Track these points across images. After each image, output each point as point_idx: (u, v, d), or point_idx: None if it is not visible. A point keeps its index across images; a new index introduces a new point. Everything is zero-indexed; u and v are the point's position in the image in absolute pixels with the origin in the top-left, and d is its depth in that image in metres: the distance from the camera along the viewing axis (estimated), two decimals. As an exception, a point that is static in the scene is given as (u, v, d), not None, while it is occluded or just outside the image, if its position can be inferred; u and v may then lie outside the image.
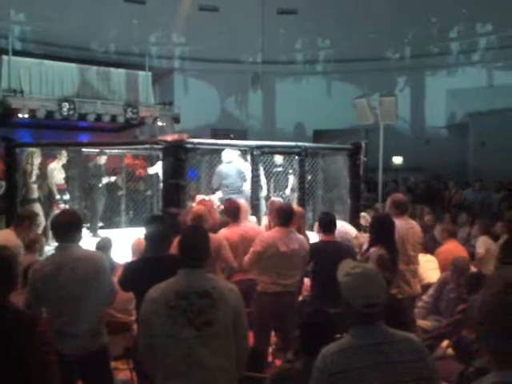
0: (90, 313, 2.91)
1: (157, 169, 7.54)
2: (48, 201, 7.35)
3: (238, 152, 6.87)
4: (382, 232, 4.00)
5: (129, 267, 3.27)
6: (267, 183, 7.35)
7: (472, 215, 8.58)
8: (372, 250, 3.92)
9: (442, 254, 5.39)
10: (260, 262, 4.02)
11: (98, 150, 7.97)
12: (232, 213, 4.79)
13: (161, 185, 6.48)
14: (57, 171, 7.42)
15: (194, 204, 5.68)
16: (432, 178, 14.23)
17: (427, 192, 12.64)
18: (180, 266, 2.49)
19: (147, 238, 3.27)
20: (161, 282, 2.46)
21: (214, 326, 2.35)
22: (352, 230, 5.62)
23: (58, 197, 7.28)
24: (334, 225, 4.39)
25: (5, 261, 2.18)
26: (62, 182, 7.45)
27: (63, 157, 7.48)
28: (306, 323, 2.61)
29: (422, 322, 4.49)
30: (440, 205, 11.52)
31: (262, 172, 7.07)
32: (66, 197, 7.38)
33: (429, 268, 5.18)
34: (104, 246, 4.98)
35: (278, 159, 7.50)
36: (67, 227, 2.99)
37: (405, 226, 4.30)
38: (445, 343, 3.98)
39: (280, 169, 7.51)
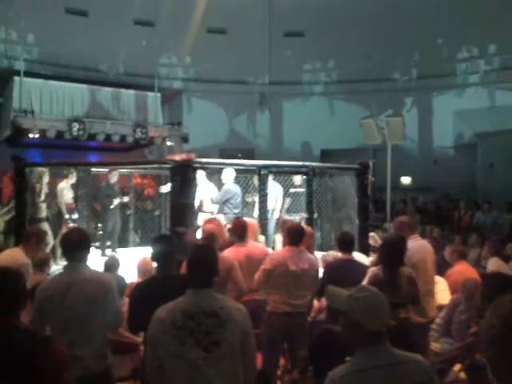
0: (95, 334, 2.88)
1: (169, 187, 7.60)
2: (57, 220, 7.39)
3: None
4: (387, 252, 3.97)
5: (136, 289, 3.24)
6: (282, 203, 7.42)
7: (482, 236, 8.50)
8: (371, 268, 3.92)
9: (453, 275, 5.32)
10: (269, 280, 3.99)
11: (107, 170, 8.04)
12: (239, 232, 4.77)
13: (168, 204, 6.51)
14: (66, 190, 7.49)
15: (199, 223, 5.69)
16: (441, 197, 14.16)
17: (437, 212, 12.56)
18: (188, 285, 2.47)
19: (154, 257, 3.27)
20: (168, 302, 2.45)
21: (222, 346, 2.32)
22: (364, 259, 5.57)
23: (66, 216, 7.33)
24: (352, 244, 4.44)
25: (13, 281, 2.17)
26: (71, 201, 7.50)
27: (73, 176, 7.56)
28: (315, 344, 2.58)
29: (433, 345, 4.42)
30: (449, 225, 11.43)
31: (279, 192, 7.16)
32: (75, 216, 7.42)
33: (439, 290, 5.11)
34: (112, 265, 4.98)
35: (297, 180, 7.54)
36: (77, 246, 2.99)
37: (422, 245, 4.35)
38: (457, 367, 3.89)
39: (301, 189, 7.51)
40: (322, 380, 1.97)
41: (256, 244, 5.02)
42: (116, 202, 7.94)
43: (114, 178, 8.01)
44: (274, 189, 7.30)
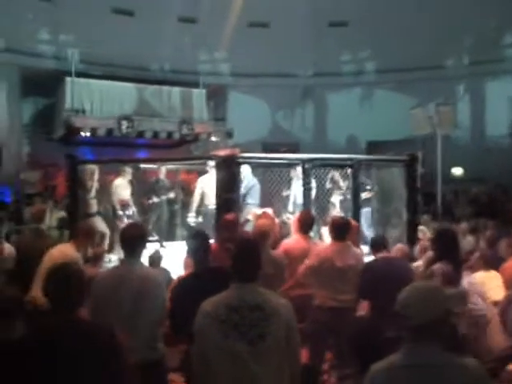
0: (143, 328, 2.95)
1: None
2: (113, 215, 7.64)
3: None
4: (445, 246, 3.85)
5: (175, 288, 3.29)
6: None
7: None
8: (437, 265, 3.77)
9: (508, 269, 5.08)
10: (314, 276, 3.97)
11: (155, 166, 8.22)
12: (306, 224, 4.65)
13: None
14: (121, 187, 7.67)
15: (249, 217, 5.72)
16: (494, 188, 13.54)
17: (490, 204, 12.03)
18: (227, 278, 2.51)
19: (191, 253, 3.31)
20: (208, 297, 2.47)
21: (267, 339, 2.33)
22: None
23: (120, 212, 7.52)
24: (383, 245, 4.30)
25: (74, 276, 2.27)
26: (127, 197, 7.68)
27: (126, 173, 7.74)
28: (351, 339, 2.56)
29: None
30: (504, 218, 10.92)
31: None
32: (129, 212, 7.60)
33: (493, 285, 4.90)
34: (155, 259, 5.12)
35: (336, 176, 7.44)
36: (134, 241, 3.10)
37: None
38: (511, 366, 3.72)
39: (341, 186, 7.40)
40: (363, 376, 1.95)
41: (298, 238, 4.97)
42: (162, 197, 8.11)
43: (162, 173, 8.18)
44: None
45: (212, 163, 7.23)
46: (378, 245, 4.27)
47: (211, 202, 7.21)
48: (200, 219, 7.54)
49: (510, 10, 13.78)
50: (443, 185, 11.05)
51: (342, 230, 4.07)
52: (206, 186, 7.35)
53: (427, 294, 1.92)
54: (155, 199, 8.17)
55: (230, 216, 4.55)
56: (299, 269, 4.10)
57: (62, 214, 8.71)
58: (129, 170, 7.74)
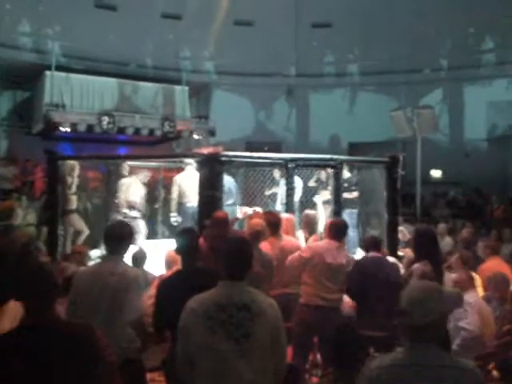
0: (117, 326, 2.93)
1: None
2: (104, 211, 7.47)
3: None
4: (425, 246, 3.91)
5: (161, 287, 3.24)
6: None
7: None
8: (415, 266, 3.82)
9: (485, 271, 5.19)
10: (302, 267, 3.98)
11: (139, 163, 8.09)
12: (273, 225, 4.66)
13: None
14: (132, 187, 7.48)
15: (239, 215, 5.70)
16: (472, 192, 13.82)
17: (468, 207, 12.27)
18: (214, 278, 2.51)
19: (178, 251, 3.29)
20: (194, 296, 2.46)
21: (252, 339, 2.34)
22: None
23: (125, 211, 7.36)
24: (376, 245, 4.30)
25: (46, 271, 2.21)
26: (136, 198, 7.47)
27: (142, 175, 7.59)
28: (333, 338, 2.60)
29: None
30: (481, 220, 11.16)
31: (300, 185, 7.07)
32: (133, 213, 7.41)
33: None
34: (139, 257, 5.07)
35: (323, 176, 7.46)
36: (116, 239, 3.10)
37: None
38: (491, 366, 3.81)
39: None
40: (343, 370, 1.97)
41: (291, 238, 4.99)
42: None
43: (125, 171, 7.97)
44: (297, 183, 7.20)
45: (189, 161, 7.22)
46: (371, 245, 4.28)
47: (189, 200, 7.19)
48: (179, 218, 7.49)
49: (488, 17, 14.08)
50: (422, 186, 11.22)
51: (339, 231, 4.12)
52: (183, 183, 7.31)
53: (432, 295, 1.95)
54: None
55: (220, 213, 4.51)
56: (288, 258, 4.10)
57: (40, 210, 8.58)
58: (146, 173, 7.58)
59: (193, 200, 7.17)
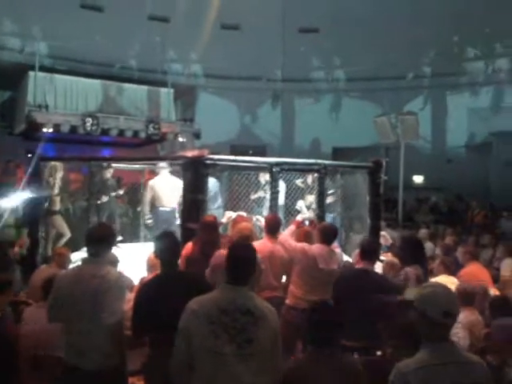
0: (99, 330, 2.91)
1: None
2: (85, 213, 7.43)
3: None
4: (412, 252, 3.97)
5: (140, 291, 3.20)
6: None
7: (495, 237, 8.41)
8: (409, 268, 3.89)
9: (464, 276, 5.27)
10: (294, 268, 4.01)
11: (123, 166, 8.06)
12: (271, 227, 4.55)
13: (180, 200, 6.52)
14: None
15: (224, 220, 5.69)
16: (453, 198, 14.03)
17: (450, 213, 12.45)
18: (200, 283, 2.51)
19: (158, 254, 3.26)
20: (173, 302, 2.45)
21: (254, 344, 2.36)
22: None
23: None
24: (376, 253, 4.17)
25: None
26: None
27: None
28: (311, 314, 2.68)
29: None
30: (462, 226, 11.33)
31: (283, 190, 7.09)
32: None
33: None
34: (111, 261, 5.01)
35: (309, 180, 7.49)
36: (97, 241, 3.08)
37: None
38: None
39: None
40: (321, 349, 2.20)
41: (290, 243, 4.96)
42: (111, 194, 7.95)
43: (107, 173, 7.95)
44: (281, 187, 7.21)
45: (163, 164, 7.23)
46: (367, 255, 3.96)
47: (162, 205, 7.19)
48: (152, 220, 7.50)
49: (471, 27, 14.34)
50: (404, 191, 11.35)
51: (330, 235, 4.18)
52: (157, 187, 7.29)
53: (453, 296, 2.11)
54: (104, 198, 7.98)
55: (209, 218, 4.46)
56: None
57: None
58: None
59: (166, 204, 7.22)
